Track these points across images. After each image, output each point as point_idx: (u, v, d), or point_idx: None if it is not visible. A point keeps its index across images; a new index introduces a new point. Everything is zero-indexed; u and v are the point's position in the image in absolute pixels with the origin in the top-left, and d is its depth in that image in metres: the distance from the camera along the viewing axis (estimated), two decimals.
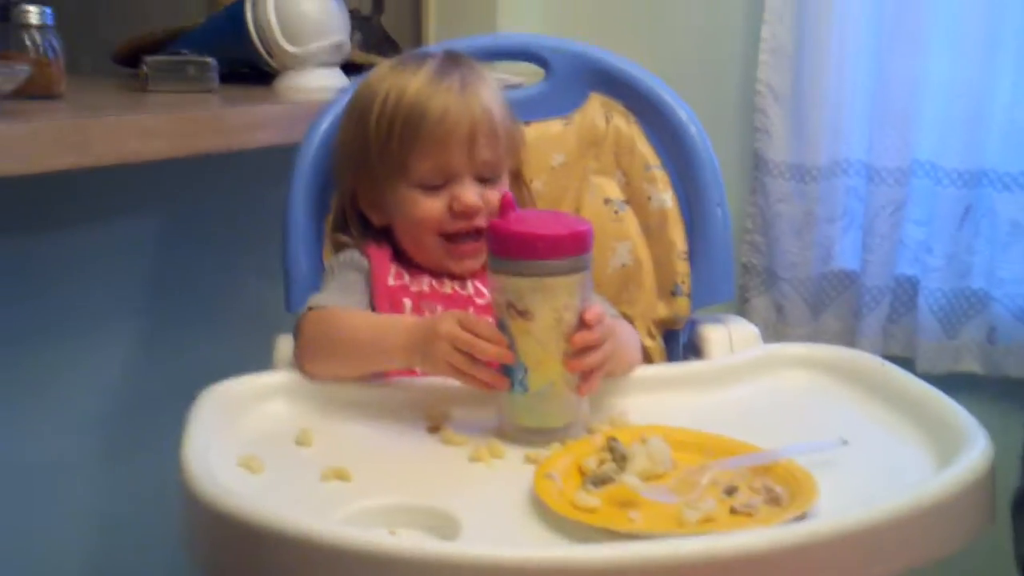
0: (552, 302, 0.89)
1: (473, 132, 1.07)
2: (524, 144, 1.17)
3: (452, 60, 1.11)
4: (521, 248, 0.88)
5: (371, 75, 1.14)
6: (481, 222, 1.07)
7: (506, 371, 0.91)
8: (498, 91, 1.12)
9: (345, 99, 1.19)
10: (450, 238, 1.09)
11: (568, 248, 0.89)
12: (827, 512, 0.76)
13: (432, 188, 1.08)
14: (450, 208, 1.08)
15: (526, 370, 0.91)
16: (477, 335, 0.91)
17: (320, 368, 1.00)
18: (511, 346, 0.90)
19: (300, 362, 1.01)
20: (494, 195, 1.07)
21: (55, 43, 1.24)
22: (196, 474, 0.79)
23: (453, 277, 1.11)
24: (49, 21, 1.24)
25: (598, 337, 0.91)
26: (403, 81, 1.08)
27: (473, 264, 1.10)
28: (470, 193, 1.07)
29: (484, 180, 1.09)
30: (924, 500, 0.75)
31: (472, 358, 0.91)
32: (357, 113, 1.12)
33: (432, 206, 1.08)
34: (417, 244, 1.11)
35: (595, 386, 0.93)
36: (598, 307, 0.93)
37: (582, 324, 0.91)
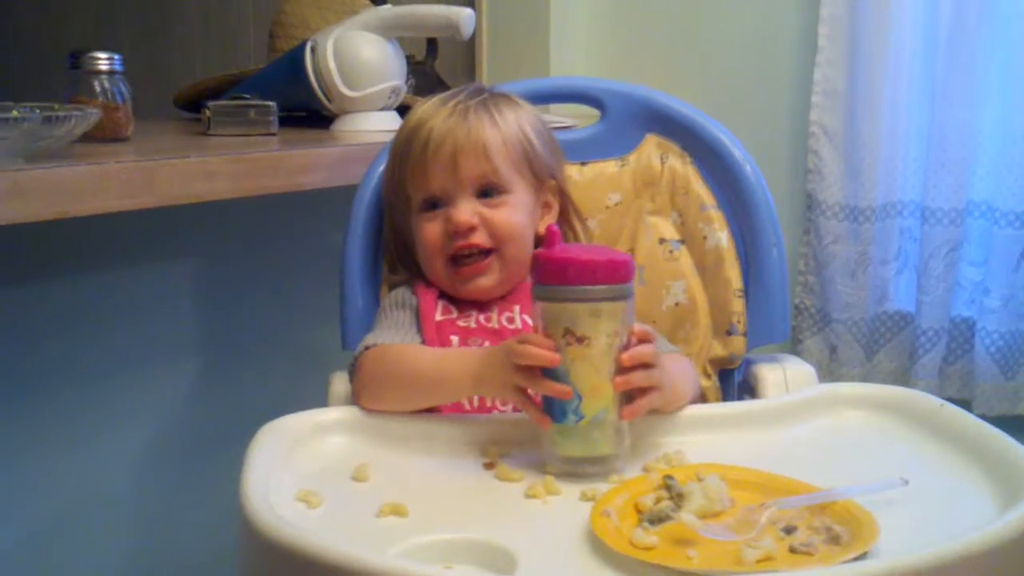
0: (606, 327, 0.91)
1: (455, 151, 1.07)
2: (559, 162, 1.17)
3: (472, 90, 1.13)
4: (580, 274, 0.90)
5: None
6: (480, 239, 1.08)
7: (555, 403, 0.92)
8: (516, 114, 1.12)
9: None
10: (454, 260, 1.10)
11: (621, 274, 0.91)
12: (888, 552, 0.75)
13: (430, 212, 1.10)
14: (445, 229, 1.09)
15: (580, 398, 0.91)
16: (535, 344, 0.91)
17: (381, 403, 1.01)
18: (565, 375, 0.91)
19: (359, 399, 1.02)
20: (498, 212, 1.09)
21: (123, 88, 1.29)
22: (256, 508, 0.80)
23: (501, 311, 1.12)
24: (118, 67, 1.28)
25: (648, 352, 0.92)
26: (415, 111, 1.12)
27: (483, 282, 1.10)
28: (460, 211, 1.08)
29: (486, 195, 1.09)
30: (987, 541, 0.74)
31: (533, 375, 0.91)
32: (390, 151, 1.16)
33: (432, 230, 1.10)
34: (431, 271, 1.12)
35: (640, 412, 0.93)
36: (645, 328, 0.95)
37: (631, 342, 0.92)
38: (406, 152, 1.10)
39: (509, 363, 0.92)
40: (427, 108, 1.11)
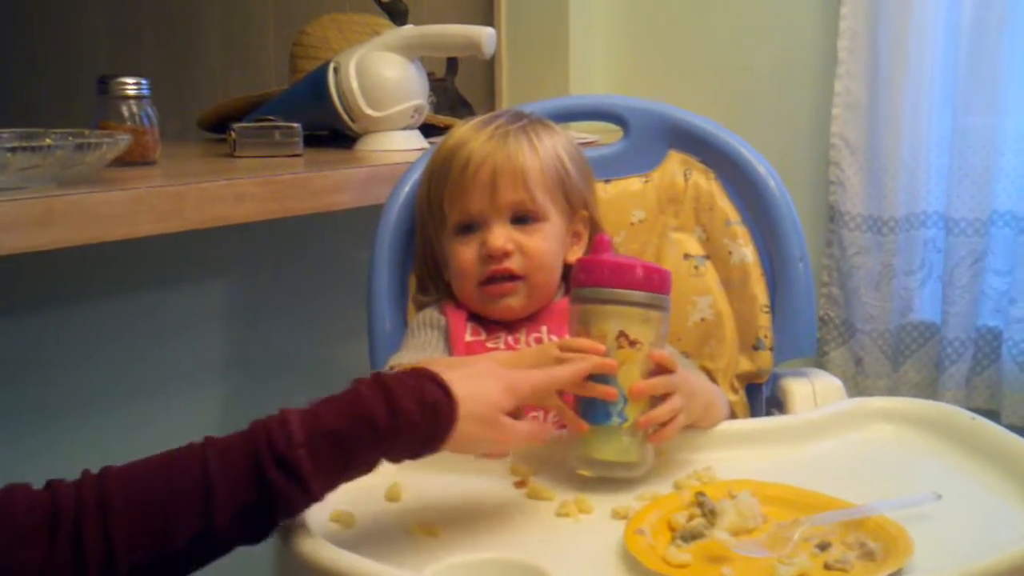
0: (652, 334, 0.93)
1: (494, 175, 1.08)
2: (591, 191, 1.17)
3: (512, 114, 1.14)
4: (641, 279, 0.92)
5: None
6: (513, 265, 1.09)
7: (598, 404, 0.92)
8: (554, 141, 1.13)
9: (426, 161, 1.22)
10: (484, 283, 1.10)
11: (668, 285, 0.95)
12: (922, 568, 0.75)
13: (465, 235, 1.10)
14: (479, 253, 1.09)
15: (626, 400, 0.92)
16: (585, 348, 0.92)
17: None
18: (612, 377, 0.92)
19: None
20: (532, 239, 1.09)
21: (151, 113, 1.30)
22: (292, 527, 0.81)
23: (528, 332, 1.12)
24: (145, 92, 1.30)
25: (670, 381, 0.94)
26: (454, 132, 1.13)
27: (511, 302, 1.10)
28: (496, 236, 1.08)
29: (521, 221, 1.10)
30: (1022, 556, 0.73)
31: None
32: (425, 170, 1.16)
33: (467, 254, 1.10)
34: (462, 292, 1.13)
35: (667, 436, 0.94)
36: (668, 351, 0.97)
37: (659, 369, 0.94)
38: (444, 172, 1.11)
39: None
40: (466, 130, 1.12)
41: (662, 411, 0.94)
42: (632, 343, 0.92)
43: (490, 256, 1.08)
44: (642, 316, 0.92)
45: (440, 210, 1.12)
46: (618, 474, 0.93)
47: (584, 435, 0.93)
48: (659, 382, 0.94)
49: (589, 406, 0.93)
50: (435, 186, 1.12)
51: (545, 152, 1.11)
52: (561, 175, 1.12)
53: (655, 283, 0.93)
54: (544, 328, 1.12)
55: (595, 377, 0.92)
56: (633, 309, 0.92)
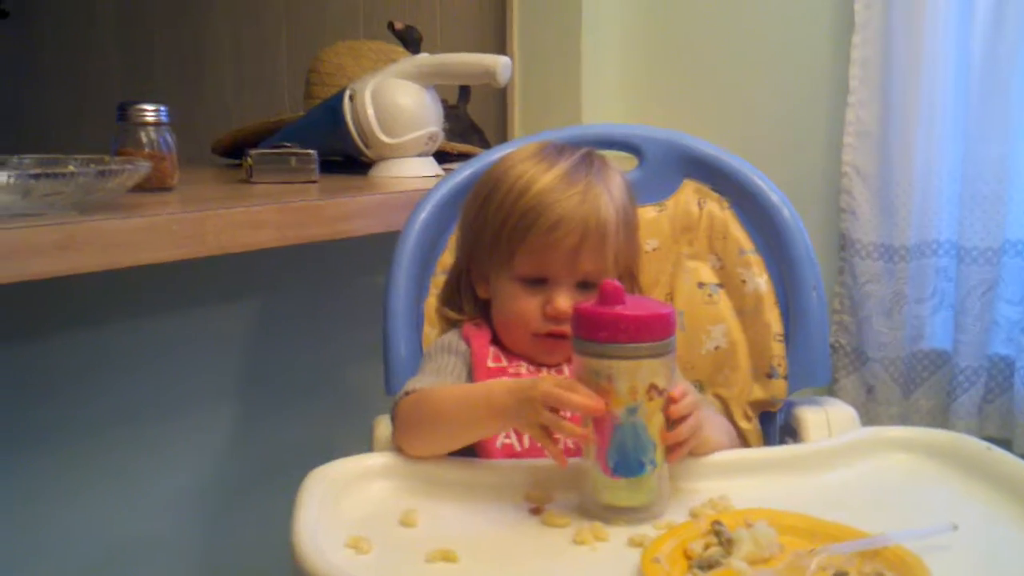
0: (670, 375, 0.93)
1: (580, 243, 1.07)
2: (639, 247, 1.17)
3: (587, 162, 1.12)
4: (666, 328, 0.91)
5: (512, 154, 1.14)
6: (567, 328, 1.06)
7: (631, 457, 0.92)
8: (623, 191, 1.12)
9: (443, 189, 1.23)
10: (541, 337, 1.10)
11: (676, 321, 0.93)
12: None
13: (531, 285, 1.10)
14: (543, 310, 1.09)
15: (655, 446, 0.92)
16: (573, 391, 0.91)
17: (419, 446, 1.02)
18: (644, 429, 0.91)
19: (399, 444, 1.03)
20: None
21: (169, 139, 1.31)
22: (308, 554, 0.81)
23: (549, 365, 1.13)
24: (164, 119, 1.31)
25: (690, 402, 0.95)
26: (532, 174, 1.09)
27: (561, 357, 1.11)
28: (564, 300, 1.08)
29: (586, 285, 1.09)
30: None
31: (559, 419, 0.92)
32: (487, 190, 1.13)
33: (527, 304, 1.10)
34: (507, 332, 1.13)
35: (681, 456, 0.96)
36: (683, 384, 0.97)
37: (671, 400, 0.93)
38: (525, 224, 1.08)
39: (538, 402, 0.92)
40: (551, 180, 1.09)
41: (685, 429, 0.94)
42: (660, 392, 0.92)
43: (554, 317, 1.08)
44: (666, 363, 0.92)
45: (508, 255, 1.10)
46: (641, 516, 0.92)
47: (612, 485, 0.93)
48: (689, 424, 0.94)
49: (622, 459, 0.92)
50: (509, 233, 1.09)
51: (617, 213, 1.10)
52: (629, 236, 1.13)
53: (672, 327, 0.92)
54: (566, 366, 1.12)
55: (626, 429, 0.91)
56: (658, 360, 0.91)
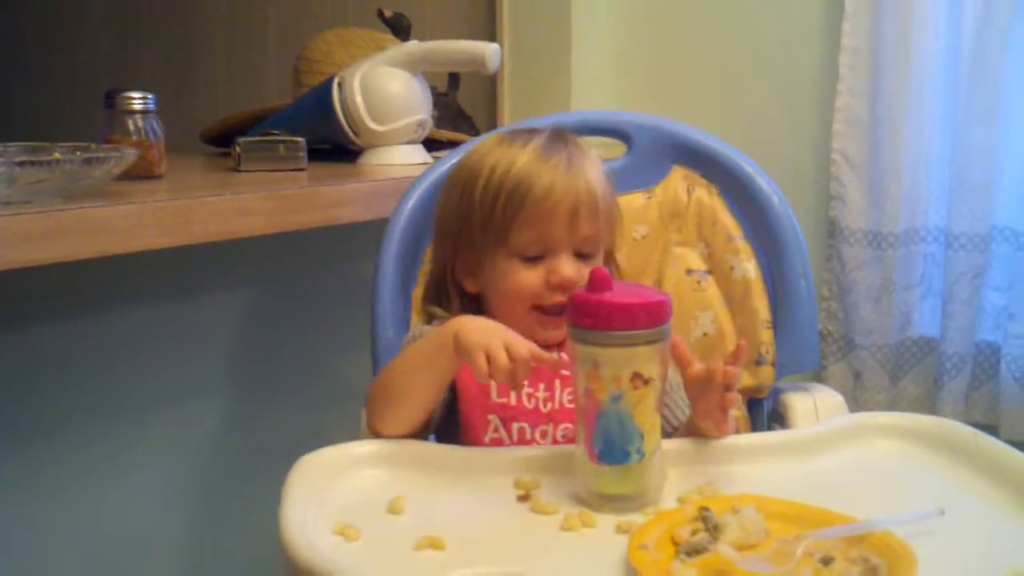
0: (660, 364, 0.92)
1: (576, 207, 1.08)
2: (621, 222, 1.18)
3: (559, 138, 1.13)
4: (648, 317, 0.90)
5: (478, 147, 1.15)
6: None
7: (616, 447, 0.92)
8: (602, 169, 1.13)
9: (432, 176, 1.22)
10: (543, 310, 1.10)
11: (668, 313, 0.92)
12: None
13: (530, 259, 1.10)
14: (547, 281, 1.09)
15: (642, 436, 0.92)
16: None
17: (388, 421, 1.02)
18: (629, 417, 0.91)
19: (372, 426, 1.03)
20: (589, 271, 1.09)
21: (156, 127, 1.31)
22: (296, 542, 0.81)
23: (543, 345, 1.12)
24: (151, 107, 1.31)
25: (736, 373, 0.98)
26: (511, 155, 1.10)
27: (558, 334, 1.11)
28: (568, 267, 1.08)
29: (582, 255, 1.10)
30: None
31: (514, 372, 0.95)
32: (462, 183, 1.13)
33: (529, 277, 1.09)
34: (507, 313, 1.12)
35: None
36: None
37: (732, 358, 0.98)
38: (515, 200, 1.08)
39: (502, 339, 0.95)
40: (528, 159, 1.09)
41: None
42: (646, 381, 0.91)
43: (560, 286, 1.08)
44: (652, 352, 0.91)
45: (503, 233, 1.09)
46: (630, 505, 0.92)
47: (598, 471, 0.93)
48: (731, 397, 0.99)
49: (607, 447, 0.92)
50: (502, 209, 1.08)
51: (601, 180, 1.11)
52: (612, 209, 1.13)
53: (661, 315, 0.91)
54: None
55: (610, 416, 0.91)
56: (643, 348, 0.91)
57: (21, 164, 1.01)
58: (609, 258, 1.17)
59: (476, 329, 0.98)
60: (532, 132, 1.14)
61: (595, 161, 1.13)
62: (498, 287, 1.12)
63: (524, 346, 0.96)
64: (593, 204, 1.09)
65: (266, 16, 2.55)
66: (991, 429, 1.66)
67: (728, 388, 0.98)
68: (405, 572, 0.82)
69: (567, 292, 1.06)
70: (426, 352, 1.02)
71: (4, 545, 1.27)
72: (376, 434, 1.03)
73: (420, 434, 1.04)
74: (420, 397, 1.02)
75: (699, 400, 1.01)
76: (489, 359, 0.95)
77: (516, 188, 1.08)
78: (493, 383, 1.08)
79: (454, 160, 1.23)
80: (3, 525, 1.27)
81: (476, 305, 1.15)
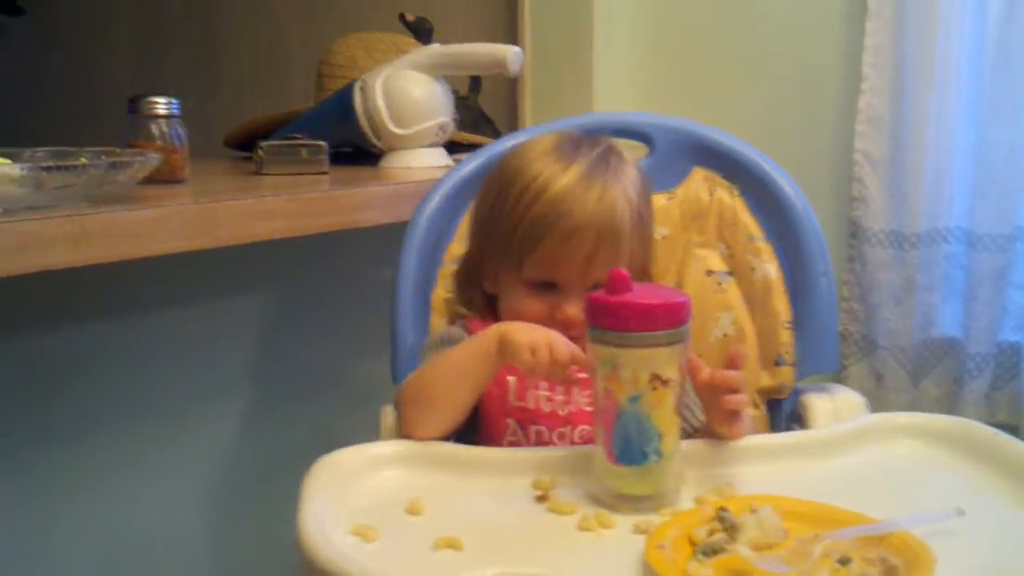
0: (681, 368, 0.92)
1: (594, 251, 1.06)
2: (652, 243, 1.16)
3: (604, 161, 1.09)
4: (670, 318, 0.91)
5: (528, 149, 1.12)
6: (578, 333, 1.04)
7: (634, 447, 0.93)
8: (639, 193, 1.10)
9: (453, 179, 1.23)
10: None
11: (689, 310, 0.93)
12: None
13: (539, 289, 1.09)
14: (551, 314, 1.08)
15: (661, 437, 0.92)
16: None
17: (427, 421, 1.02)
18: (647, 418, 0.92)
19: (407, 430, 1.03)
20: None
21: (180, 132, 1.32)
22: (313, 542, 0.81)
23: None
24: (175, 111, 1.32)
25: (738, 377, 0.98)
26: (551, 174, 1.07)
27: (569, 334, 1.11)
28: (574, 308, 1.06)
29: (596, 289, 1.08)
30: None
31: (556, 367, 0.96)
32: (500, 185, 1.11)
33: (534, 307, 1.08)
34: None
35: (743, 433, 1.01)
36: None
37: (729, 363, 0.98)
38: (538, 231, 1.06)
39: (547, 338, 0.97)
40: (570, 181, 1.06)
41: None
42: (664, 382, 0.91)
43: (563, 323, 1.06)
44: (671, 353, 0.91)
45: (518, 260, 1.08)
46: (648, 505, 0.93)
47: (616, 472, 0.93)
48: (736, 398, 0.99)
49: (625, 448, 0.92)
50: (521, 238, 1.07)
51: (632, 215, 1.08)
52: (643, 235, 1.12)
53: (680, 317, 0.91)
54: None
55: (629, 417, 0.91)
56: (662, 349, 0.91)
57: (47, 169, 1.02)
58: (643, 275, 1.13)
59: (524, 328, 0.99)
60: (580, 146, 1.10)
61: (632, 183, 1.10)
62: (507, 306, 1.12)
63: (566, 349, 0.96)
64: (614, 243, 1.07)
65: (290, 22, 2.57)
66: (1013, 430, 1.64)
67: (731, 391, 0.98)
68: (423, 572, 0.82)
69: (568, 330, 1.04)
70: (468, 358, 1.01)
71: (25, 547, 1.28)
72: (409, 437, 1.03)
73: (448, 437, 1.04)
74: (460, 402, 1.02)
75: (709, 406, 1.01)
76: (533, 353, 0.96)
77: (540, 221, 1.06)
78: (511, 387, 1.08)
79: (476, 161, 1.23)
80: (24, 527, 1.28)
81: (494, 305, 1.15)
